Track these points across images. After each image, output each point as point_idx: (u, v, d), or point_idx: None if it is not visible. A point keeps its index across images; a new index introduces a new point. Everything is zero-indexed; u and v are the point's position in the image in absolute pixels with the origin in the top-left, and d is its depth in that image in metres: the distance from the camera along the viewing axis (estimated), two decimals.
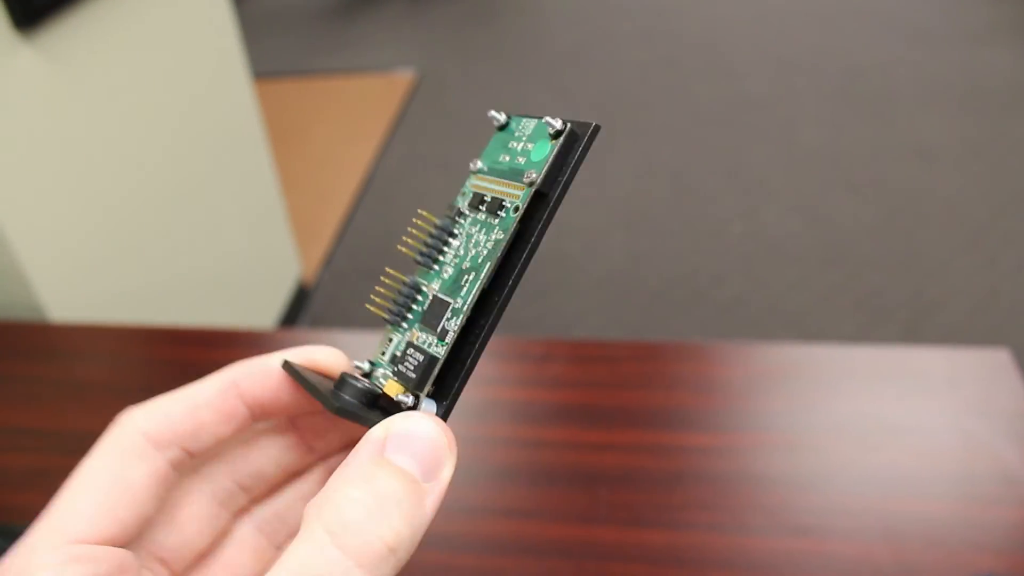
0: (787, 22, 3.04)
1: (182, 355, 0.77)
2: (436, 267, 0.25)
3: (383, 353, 0.25)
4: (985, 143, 2.25)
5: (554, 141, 0.23)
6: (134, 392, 0.72)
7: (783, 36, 2.95)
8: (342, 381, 0.24)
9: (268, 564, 0.23)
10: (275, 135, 1.90)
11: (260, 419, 0.25)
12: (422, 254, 0.25)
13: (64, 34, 1.07)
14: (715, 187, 2.19)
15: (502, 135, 0.26)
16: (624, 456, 0.60)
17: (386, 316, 0.26)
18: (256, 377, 0.25)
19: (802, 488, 0.56)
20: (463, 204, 0.25)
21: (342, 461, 0.26)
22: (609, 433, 0.61)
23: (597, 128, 0.23)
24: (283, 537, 0.27)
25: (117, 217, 1.20)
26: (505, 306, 0.23)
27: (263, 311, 1.69)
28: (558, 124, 0.23)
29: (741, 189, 2.17)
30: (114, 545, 0.21)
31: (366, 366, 0.25)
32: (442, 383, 0.23)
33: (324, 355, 0.25)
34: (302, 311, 1.86)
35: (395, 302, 0.25)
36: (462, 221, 0.25)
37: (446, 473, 0.21)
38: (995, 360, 0.65)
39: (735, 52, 2.87)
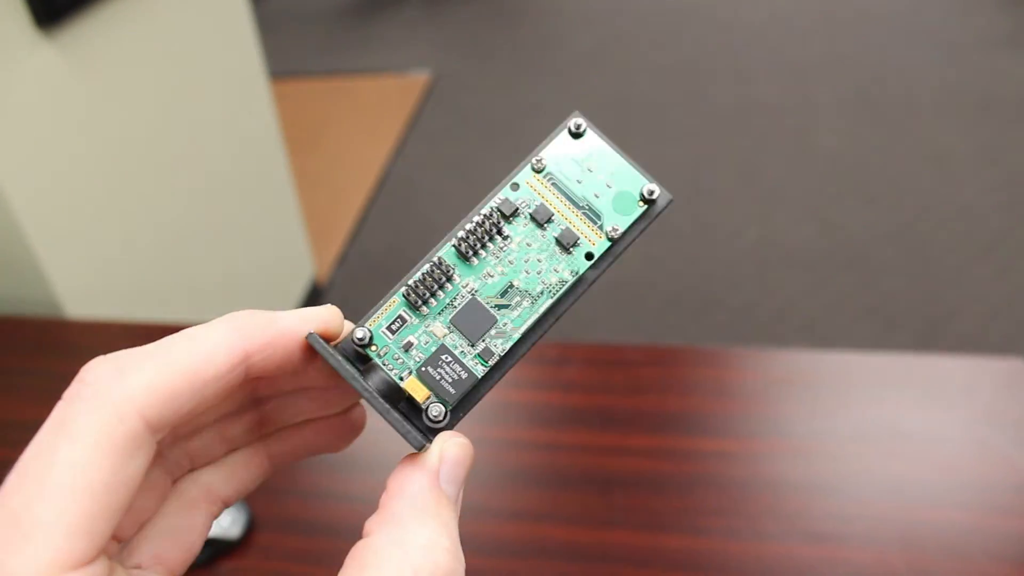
0: (804, 27, 3.03)
1: None
2: (476, 261, 0.23)
3: (391, 330, 0.23)
4: (1001, 150, 2.23)
5: (642, 204, 0.24)
6: None
7: (799, 41, 2.94)
8: (371, 367, 0.23)
9: (193, 521, 0.23)
10: (291, 135, 1.90)
11: (249, 385, 0.23)
12: (463, 239, 0.23)
13: (84, 33, 1.08)
14: (730, 192, 2.19)
15: (573, 143, 0.25)
16: (639, 460, 0.59)
17: (404, 289, 0.23)
18: (272, 352, 0.22)
19: (818, 495, 0.56)
20: (518, 200, 0.24)
21: (278, 403, 0.25)
22: (624, 437, 0.61)
23: (671, 202, 0.24)
24: (184, 471, 0.24)
25: (134, 215, 1.21)
26: (539, 340, 0.23)
27: (276, 309, 1.69)
28: (656, 192, 0.24)
29: (756, 195, 2.17)
30: (105, 554, 0.18)
31: (363, 334, 0.23)
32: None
33: (334, 319, 0.23)
34: None
35: (420, 281, 0.23)
36: (515, 224, 0.24)
37: (461, 488, 0.22)
38: (1012, 369, 0.65)
39: (751, 57, 2.87)
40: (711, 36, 3.05)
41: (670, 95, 2.68)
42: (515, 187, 0.24)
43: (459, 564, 0.20)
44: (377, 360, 0.23)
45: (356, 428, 0.26)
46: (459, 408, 0.23)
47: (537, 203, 0.24)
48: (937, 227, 1.97)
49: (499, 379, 0.23)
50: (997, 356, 0.66)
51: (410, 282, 0.23)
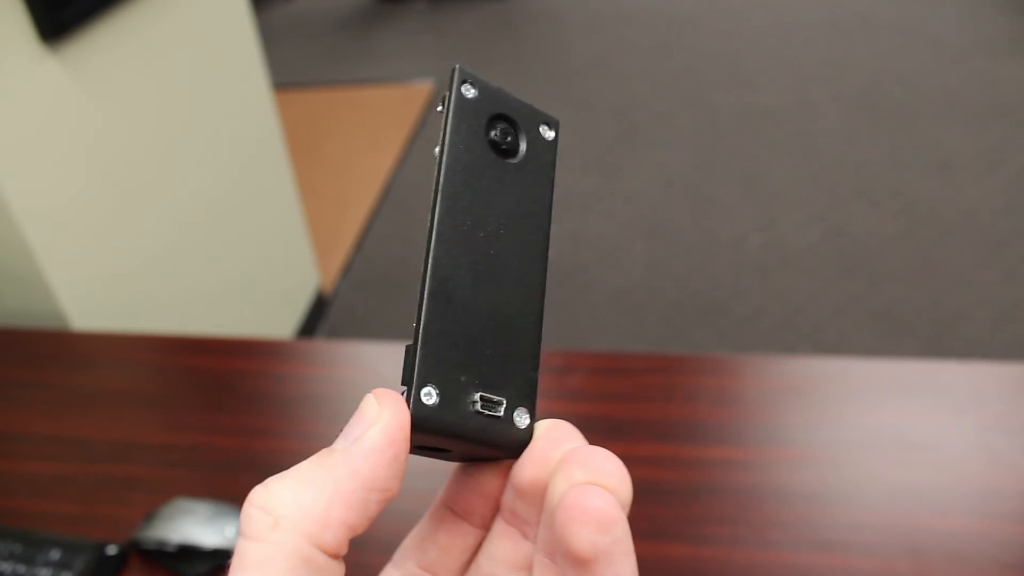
0: (807, 34, 3.04)
1: (201, 363, 0.77)
2: None
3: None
4: (1005, 154, 2.23)
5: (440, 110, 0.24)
6: (154, 400, 0.73)
7: (803, 48, 2.94)
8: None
9: None
10: (294, 145, 1.91)
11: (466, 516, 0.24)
12: None
13: (88, 47, 1.09)
14: (734, 199, 2.19)
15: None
16: (644, 468, 0.59)
17: None
18: (465, 493, 0.24)
19: (823, 503, 0.56)
20: None
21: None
22: (629, 445, 0.61)
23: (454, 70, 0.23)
24: None
25: (138, 227, 1.21)
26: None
27: (282, 320, 1.70)
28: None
29: (760, 201, 2.17)
30: None
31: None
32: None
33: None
34: (320, 320, 1.87)
35: None
36: None
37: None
38: (1019, 375, 0.64)
39: (754, 64, 2.87)
40: (714, 43, 3.05)
41: (673, 102, 2.69)
42: None
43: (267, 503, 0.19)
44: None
45: (597, 518, 0.22)
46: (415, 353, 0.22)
47: None
48: (942, 232, 1.97)
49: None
50: (1004, 361, 0.66)
51: None
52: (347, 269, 2.09)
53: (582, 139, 2.51)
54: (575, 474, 0.21)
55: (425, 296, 0.22)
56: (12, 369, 0.78)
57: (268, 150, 1.61)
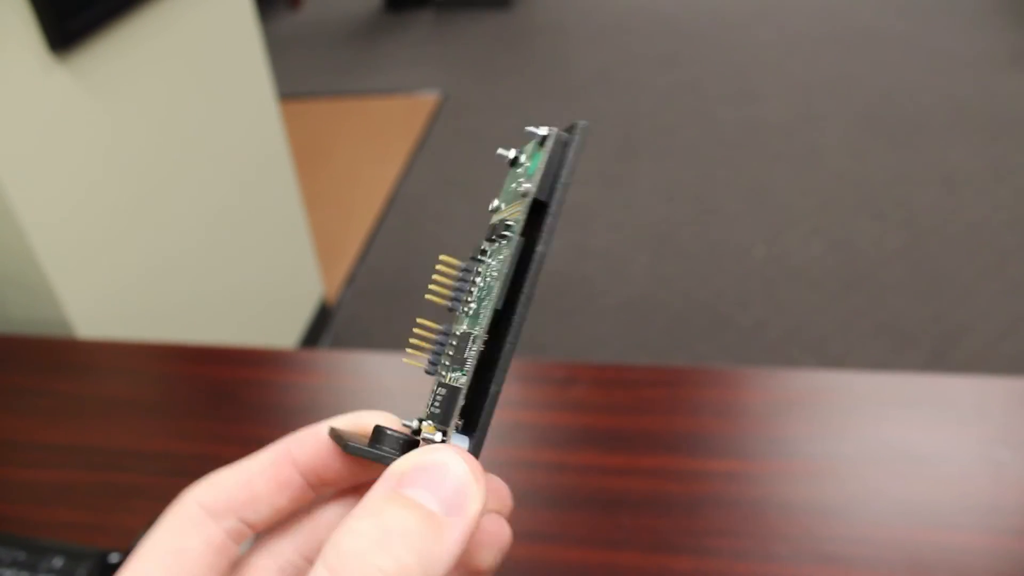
0: (812, 47, 3.04)
1: (205, 373, 0.78)
2: (466, 309, 0.24)
3: (427, 405, 0.24)
4: (1010, 168, 2.23)
5: (540, 148, 0.23)
6: (159, 408, 0.73)
7: (808, 61, 2.95)
8: (378, 433, 0.23)
9: None
10: (300, 155, 1.92)
11: (320, 488, 0.25)
12: (451, 299, 0.24)
13: (96, 57, 1.09)
14: (738, 211, 2.19)
15: (514, 170, 0.25)
16: (647, 481, 0.59)
17: (425, 367, 0.24)
18: (307, 445, 0.24)
19: (826, 516, 0.56)
20: (482, 242, 0.24)
21: None
22: (632, 457, 0.61)
23: (585, 128, 0.23)
24: None
25: (144, 235, 1.22)
26: (521, 324, 0.22)
27: (286, 330, 1.70)
28: (542, 131, 0.23)
29: (764, 213, 2.17)
30: None
31: (414, 424, 0.24)
32: (470, 416, 0.22)
33: (373, 419, 0.24)
34: (324, 330, 1.87)
35: (432, 351, 0.24)
36: (483, 259, 0.24)
37: (473, 507, 0.20)
38: None
39: (759, 76, 2.88)
40: (719, 56, 3.06)
41: (678, 115, 2.69)
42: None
43: (392, 561, 0.18)
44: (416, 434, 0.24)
45: (501, 543, 0.25)
46: (469, 429, 0.22)
47: (488, 229, 0.24)
48: (947, 245, 1.97)
49: (498, 378, 0.22)
50: (1009, 375, 0.66)
51: (427, 356, 0.24)
52: (351, 279, 2.09)
53: (586, 151, 2.51)
54: (490, 502, 0.24)
55: (505, 349, 0.22)
56: (17, 376, 0.78)
57: (274, 160, 1.62)
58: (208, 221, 1.39)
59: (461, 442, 0.22)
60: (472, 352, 0.22)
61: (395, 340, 1.82)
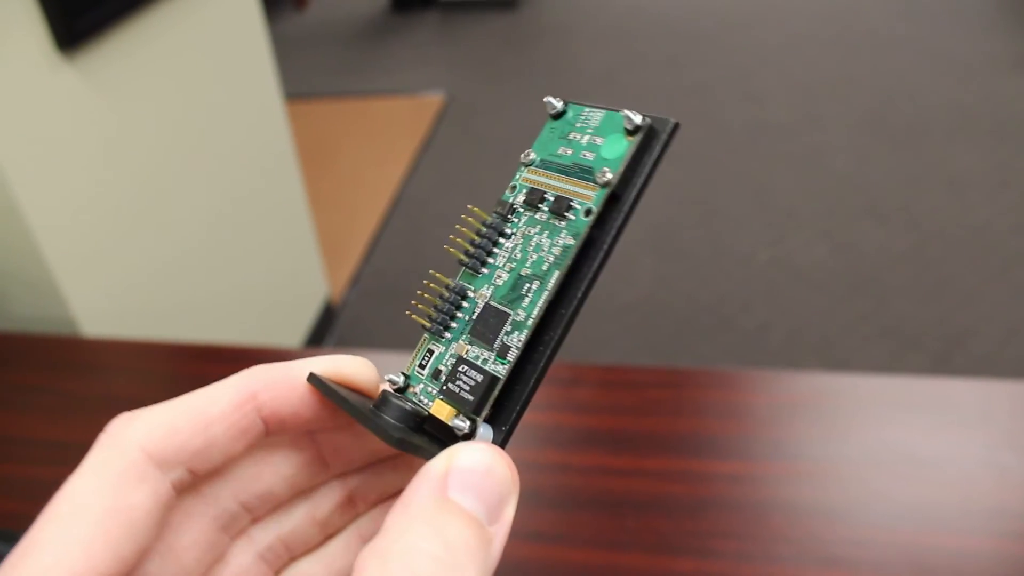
0: (817, 50, 3.04)
1: (210, 372, 0.78)
2: (485, 270, 0.22)
3: (421, 366, 0.22)
4: (1014, 172, 2.23)
5: (631, 137, 0.21)
6: None
7: (813, 64, 2.94)
8: (383, 400, 0.21)
9: None
10: (305, 155, 1.92)
11: (276, 434, 0.22)
12: (468, 255, 0.22)
13: (104, 56, 1.09)
14: (742, 214, 2.19)
15: (558, 124, 0.23)
16: (651, 482, 0.59)
17: (426, 324, 0.22)
18: (279, 390, 0.21)
19: (830, 519, 0.56)
20: (516, 200, 0.23)
21: (362, 479, 0.24)
22: (636, 459, 0.61)
23: (677, 126, 0.21)
24: (285, 562, 0.23)
25: (150, 234, 1.22)
26: (573, 320, 0.21)
27: (290, 329, 1.70)
28: (637, 119, 0.21)
29: (768, 216, 2.17)
30: None
31: (399, 379, 0.23)
32: (500, 406, 0.21)
33: (352, 366, 0.22)
34: (329, 330, 1.87)
35: (437, 309, 0.22)
36: (515, 220, 0.22)
37: (509, 512, 0.19)
38: None
39: (764, 80, 2.87)
40: (723, 59, 3.06)
41: (683, 116, 2.67)
42: (512, 189, 0.23)
43: (451, 573, 0.17)
44: (411, 399, 0.22)
45: None
46: (499, 420, 0.21)
47: (526, 189, 0.22)
48: (951, 248, 1.97)
49: (539, 375, 0.21)
50: (1013, 379, 0.66)
51: (430, 313, 0.22)
52: (356, 279, 2.10)
53: None
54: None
55: (552, 344, 0.21)
56: (21, 374, 0.79)
57: (279, 160, 1.62)
58: (213, 220, 1.39)
59: (488, 433, 0.21)
60: (516, 341, 0.21)
61: (399, 340, 1.83)
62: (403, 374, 0.23)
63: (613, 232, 0.21)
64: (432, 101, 2.97)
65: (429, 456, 0.19)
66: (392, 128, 2.83)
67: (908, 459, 0.59)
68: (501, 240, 0.22)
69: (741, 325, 1.82)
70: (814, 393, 0.66)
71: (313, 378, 0.21)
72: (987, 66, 2.79)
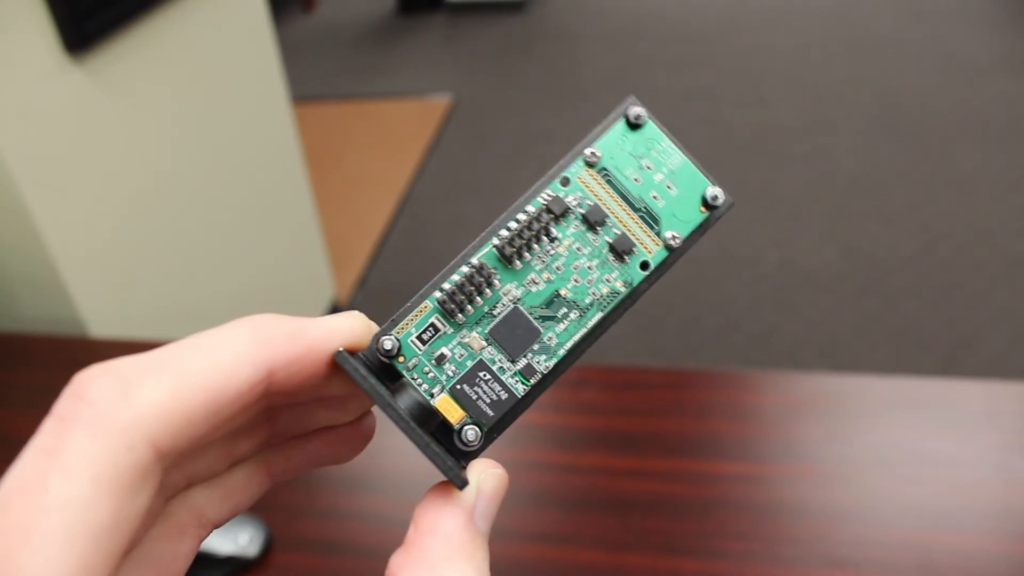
0: (824, 52, 3.04)
1: None
2: (519, 265, 0.21)
3: (421, 340, 0.21)
4: (1023, 174, 2.22)
5: (705, 210, 0.22)
6: None
7: (820, 66, 2.94)
8: (402, 387, 0.21)
9: (180, 548, 0.19)
10: (312, 157, 1.92)
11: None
12: (508, 242, 0.21)
13: (111, 58, 1.10)
14: (749, 216, 2.18)
15: (631, 136, 0.22)
16: (657, 483, 0.59)
17: (438, 294, 0.21)
18: (299, 371, 0.19)
19: (837, 519, 0.56)
20: (568, 198, 0.21)
21: (292, 414, 0.22)
22: (642, 460, 0.61)
23: (733, 205, 0.22)
24: (180, 488, 0.20)
25: (157, 236, 1.23)
26: (582, 355, 0.21)
27: None
28: (720, 197, 0.22)
29: (776, 218, 2.16)
30: None
31: (391, 344, 0.21)
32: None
33: (363, 329, 0.22)
34: None
35: (458, 286, 0.21)
36: (564, 225, 0.21)
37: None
38: None
39: (771, 82, 2.87)
40: (730, 61, 3.06)
41: (690, 119, 2.69)
42: (565, 182, 0.21)
43: None
44: (406, 374, 0.21)
45: (366, 437, 0.23)
46: (494, 430, 0.21)
47: (590, 203, 0.21)
48: (959, 250, 1.96)
49: (534, 399, 0.21)
50: (1021, 381, 0.65)
51: (445, 286, 0.21)
52: (363, 281, 2.10)
53: None
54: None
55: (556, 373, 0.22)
56: (28, 374, 0.79)
57: (286, 162, 1.62)
58: (221, 222, 1.39)
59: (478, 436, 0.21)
60: (543, 367, 0.21)
61: None
62: (396, 339, 0.21)
63: (649, 286, 0.22)
64: (439, 103, 2.97)
65: (452, 476, 0.19)
66: (399, 130, 2.83)
67: (915, 460, 0.59)
68: (545, 240, 0.21)
69: (748, 327, 1.81)
70: (821, 394, 0.66)
71: (341, 356, 0.20)
72: (996, 68, 2.78)
